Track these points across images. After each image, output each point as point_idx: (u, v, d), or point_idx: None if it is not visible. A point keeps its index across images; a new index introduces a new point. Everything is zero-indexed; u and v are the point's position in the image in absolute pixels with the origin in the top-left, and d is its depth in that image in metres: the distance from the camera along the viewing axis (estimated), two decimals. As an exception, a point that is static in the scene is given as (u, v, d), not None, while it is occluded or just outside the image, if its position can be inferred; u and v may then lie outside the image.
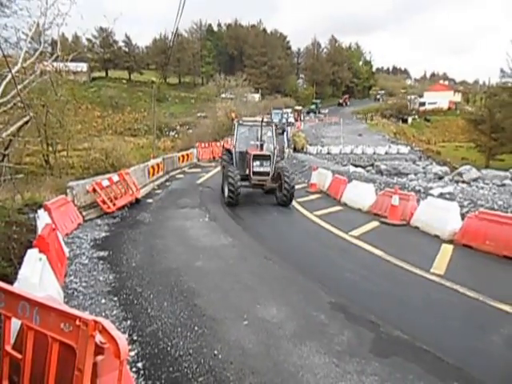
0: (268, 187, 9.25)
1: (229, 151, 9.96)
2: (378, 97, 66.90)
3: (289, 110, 36.32)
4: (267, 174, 8.96)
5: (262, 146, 9.21)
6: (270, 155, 8.96)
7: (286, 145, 22.28)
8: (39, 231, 4.39)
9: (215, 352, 3.02)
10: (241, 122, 9.83)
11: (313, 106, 53.79)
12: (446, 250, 5.66)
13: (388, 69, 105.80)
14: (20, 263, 3.46)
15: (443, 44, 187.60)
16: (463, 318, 3.69)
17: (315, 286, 4.34)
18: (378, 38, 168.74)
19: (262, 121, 9.51)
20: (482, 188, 15.37)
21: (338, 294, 4.14)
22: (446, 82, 76.37)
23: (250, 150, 9.15)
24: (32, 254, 3.45)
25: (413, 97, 58.80)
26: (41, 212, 5.46)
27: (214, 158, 20.95)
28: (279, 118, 32.99)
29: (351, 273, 4.80)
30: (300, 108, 46.17)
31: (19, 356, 2.11)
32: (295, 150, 24.71)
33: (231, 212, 8.38)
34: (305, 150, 26.58)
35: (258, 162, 8.79)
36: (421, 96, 62.25)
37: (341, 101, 65.53)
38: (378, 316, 3.63)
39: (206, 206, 8.92)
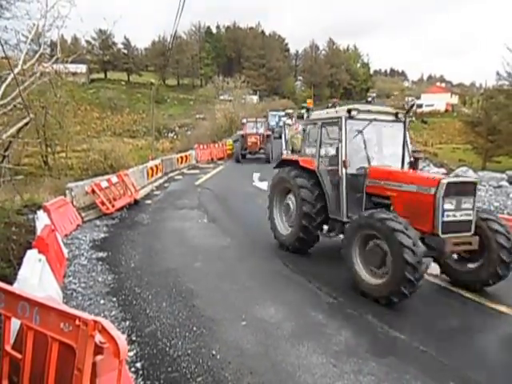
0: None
1: (309, 171, 5.30)
2: (370, 99, 63.53)
3: (282, 113, 34.67)
4: (468, 225, 4.05)
5: (415, 161, 4.66)
6: (475, 183, 4.28)
7: (283, 147, 22.34)
8: (38, 232, 4.41)
9: (213, 352, 3.04)
10: (354, 112, 4.85)
11: (303, 111, 51.07)
12: (443, 251, 5.69)
13: (386, 71, 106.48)
14: (19, 264, 3.47)
15: (440, 47, 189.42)
16: (460, 318, 3.72)
17: (313, 286, 4.38)
18: (375, 40, 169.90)
19: (400, 112, 5.14)
20: (479, 190, 15.49)
21: (335, 294, 4.18)
22: (443, 85, 76.85)
23: (403, 174, 4.43)
24: (31, 255, 3.47)
25: (410, 99, 59.11)
26: (40, 213, 5.47)
27: (212, 159, 21.00)
28: (276, 121, 31.17)
29: (348, 273, 4.83)
30: (291, 111, 44.09)
31: (19, 356, 2.12)
32: (293, 151, 24.81)
33: (230, 213, 8.41)
34: (302, 151, 26.65)
35: (452, 202, 3.93)
36: (418, 98, 62.65)
37: (329, 105, 63.01)
38: (375, 316, 3.67)
39: (204, 207, 8.94)
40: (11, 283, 2.84)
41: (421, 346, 3.18)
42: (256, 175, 14.65)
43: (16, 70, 6.30)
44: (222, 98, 41.48)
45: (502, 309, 3.82)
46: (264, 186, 12.58)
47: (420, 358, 3.02)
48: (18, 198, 7.42)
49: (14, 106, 6.87)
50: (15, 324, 2.22)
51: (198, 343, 3.18)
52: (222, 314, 3.69)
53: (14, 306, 2.09)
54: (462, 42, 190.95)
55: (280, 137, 26.14)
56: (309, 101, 58.03)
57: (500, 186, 16.92)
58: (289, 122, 33.59)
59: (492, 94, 38.11)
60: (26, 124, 7.24)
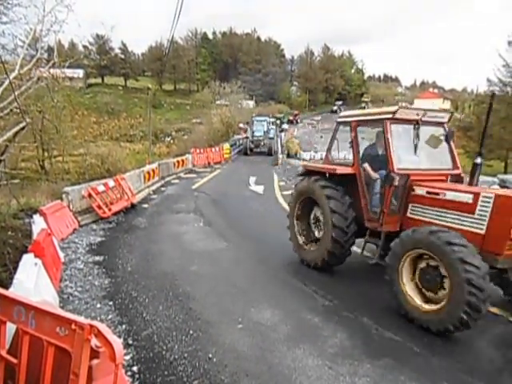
0: None
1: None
2: (335, 108, 60.80)
3: (272, 119, 27.00)
4: None
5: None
6: None
7: (279, 151, 22.43)
8: (35, 236, 4.40)
9: (210, 355, 3.05)
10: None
11: (278, 121, 41.74)
12: (437, 253, 5.76)
13: (379, 77, 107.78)
14: (15, 268, 3.47)
15: (432, 53, 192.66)
16: (453, 319, 3.77)
17: (309, 290, 4.40)
18: (369, 47, 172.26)
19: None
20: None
21: (331, 296, 4.20)
22: (436, 90, 78.18)
23: None
24: (27, 259, 3.46)
25: (404, 104, 59.83)
26: (36, 217, 5.46)
27: (209, 163, 21.06)
28: (265, 130, 24.02)
29: (344, 276, 4.88)
30: (273, 120, 39.43)
31: (14, 360, 2.12)
32: (289, 155, 24.96)
33: (226, 217, 8.44)
34: (298, 155, 26.88)
35: None
36: (411, 103, 63.50)
37: (291, 117, 48.60)
38: (370, 318, 3.70)
39: (200, 211, 8.95)
40: (7, 287, 2.84)
41: (415, 347, 3.22)
42: (252, 179, 14.72)
43: (13, 75, 6.31)
44: (218, 102, 41.66)
45: (494, 310, 3.87)
46: (260, 190, 12.64)
47: (414, 359, 3.06)
48: (15, 202, 7.38)
49: (11, 110, 6.88)
50: (10, 328, 2.22)
51: (194, 346, 3.18)
52: (219, 316, 3.70)
53: (9, 311, 2.09)
54: (453, 49, 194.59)
55: (270, 153, 22.44)
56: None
57: (492, 190, 17.34)
58: (285, 126, 32.51)
59: (483, 100, 39.05)
60: (23, 128, 7.24)
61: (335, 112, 61.81)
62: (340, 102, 65.33)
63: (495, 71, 35.57)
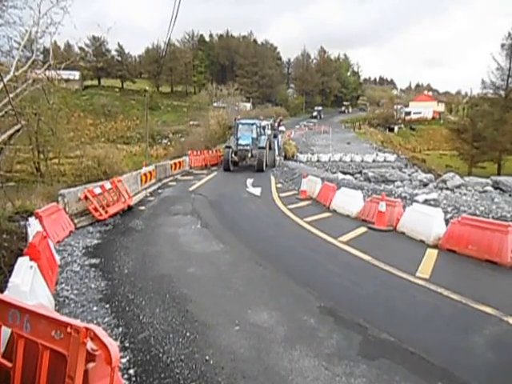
0: None
1: None
2: (315, 114, 62.43)
3: (264, 122, 21.58)
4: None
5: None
6: None
7: (277, 153, 22.42)
8: (30, 239, 4.38)
9: (207, 357, 3.05)
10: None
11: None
12: (431, 254, 5.80)
13: (375, 79, 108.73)
14: (10, 271, 3.45)
15: (427, 56, 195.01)
16: (447, 319, 3.80)
17: (305, 291, 4.42)
18: (364, 50, 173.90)
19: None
20: (465, 194, 15.92)
21: (327, 298, 4.22)
22: (430, 93, 79.02)
23: None
24: (23, 262, 3.45)
25: (399, 106, 60.50)
26: (32, 220, 5.43)
27: (205, 165, 21.06)
28: (253, 137, 17.97)
29: (340, 277, 4.91)
30: (266, 123, 34.20)
31: (9, 364, 2.11)
32: (286, 157, 25.03)
33: (223, 219, 8.44)
34: (295, 157, 26.94)
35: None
36: (406, 106, 64.15)
37: (275, 123, 51.77)
38: (365, 319, 3.72)
39: (198, 213, 8.94)
40: (2, 291, 2.83)
41: (410, 347, 3.24)
42: (249, 181, 14.74)
43: (8, 77, 6.30)
44: (215, 105, 41.71)
45: (488, 310, 3.90)
46: (257, 192, 12.66)
47: (409, 359, 3.08)
48: (10, 205, 7.34)
49: (6, 112, 6.85)
50: (6, 332, 2.21)
51: (191, 348, 3.18)
52: (216, 319, 3.70)
53: (4, 314, 2.08)
54: (448, 52, 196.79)
55: (260, 169, 17.48)
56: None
57: (485, 191, 17.59)
58: (282, 128, 32.32)
59: (477, 102, 39.71)
60: (18, 130, 7.21)
61: (315, 118, 61.89)
62: (320, 108, 65.54)
63: (489, 74, 36.19)
